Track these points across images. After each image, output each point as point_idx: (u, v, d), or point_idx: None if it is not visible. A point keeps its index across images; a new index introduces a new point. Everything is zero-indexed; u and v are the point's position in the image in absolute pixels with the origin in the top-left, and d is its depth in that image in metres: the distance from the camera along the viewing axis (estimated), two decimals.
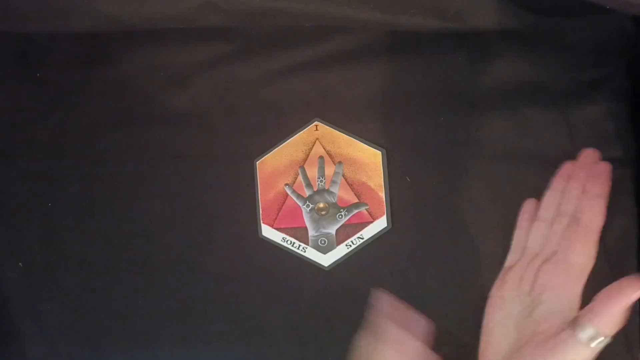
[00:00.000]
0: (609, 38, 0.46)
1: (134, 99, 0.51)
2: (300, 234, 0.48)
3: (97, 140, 0.51)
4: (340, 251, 0.47)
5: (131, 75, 0.51)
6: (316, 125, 0.49)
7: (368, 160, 0.48)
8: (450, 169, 0.47)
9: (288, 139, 0.49)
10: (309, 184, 0.48)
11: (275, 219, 0.48)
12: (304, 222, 0.48)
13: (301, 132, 0.49)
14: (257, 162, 0.49)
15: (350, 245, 0.47)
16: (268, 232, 0.48)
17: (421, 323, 0.41)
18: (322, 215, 0.48)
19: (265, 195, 0.49)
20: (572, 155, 0.46)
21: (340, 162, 0.48)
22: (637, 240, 0.46)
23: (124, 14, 0.50)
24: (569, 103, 0.46)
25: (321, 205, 0.48)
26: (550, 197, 0.43)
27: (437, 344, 0.42)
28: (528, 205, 0.44)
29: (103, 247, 0.50)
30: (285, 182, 0.49)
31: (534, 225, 0.43)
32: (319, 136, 0.49)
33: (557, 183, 0.43)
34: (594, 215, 0.40)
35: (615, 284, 0.36)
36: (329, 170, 0.48)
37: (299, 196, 0.48)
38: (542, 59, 0.47)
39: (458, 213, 0.46)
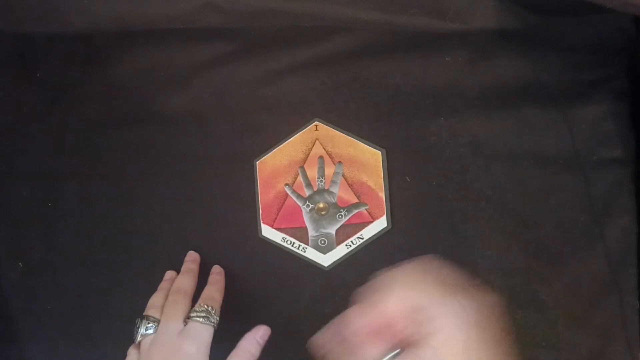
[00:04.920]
0: (609, 38, 0.47)
1: (134, 99, 0.51)
2: (300, 234, 0.48)
3: (97, 140, 0.51)
4: (340, 251, 0.47)
5: (131, 75, 0.51)
6: (316, 125, 0.49)
7: (368, 160, 0.48)
8: (450, 169, 0.47)
9: (288, 139, 0.49)
10: (309, 184, 0.48)
11: (275, 219, 0.48)
12: (304, 222, 0.48)
13: (301, 132, 0.49)
14: (257, 162, 0.49)
15: (350, 245, 0.47)
16: (268, 232, 0.48)
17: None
18: (322, 215, 0.48)
19: (265, 195, 0.49)
20: (572, 155, 0.46)
21: (340, 162, 0.48)
22: (637, 240, 0.46)
23: (124, 14, 0.50)
24: (569, 103, 0.46)
25: (321, 205, 0.48)
26: None
27: None
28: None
29: (103, 247, 0.50)
30: (285, 182, 0.49)
31: None
32: (319, 136, 0.49)
33: None
34: None
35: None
36: (329, 170, 0.48)
37: (299, 196, 0.48)
38: (542, 59, 0.47)
39: (458, 213, 0.46)
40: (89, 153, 0.51)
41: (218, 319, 0.42)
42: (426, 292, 0.33)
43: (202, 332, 0.41)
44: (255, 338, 0.43)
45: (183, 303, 0.43)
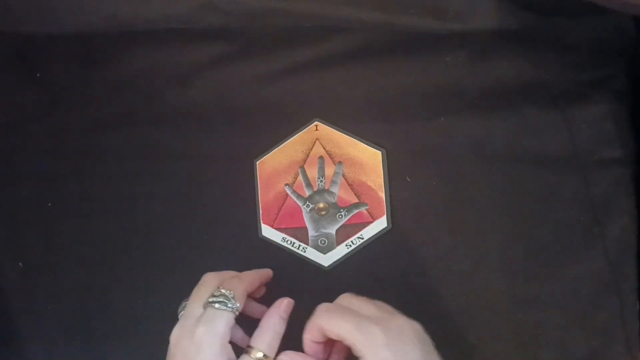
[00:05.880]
0: (609, 38, 0.47)
1: (134, 99, 0.51)
2: (300, 234, 0.48)
3: (97, 140, 0.51)
4: (340, 251, 0.47)
5: (131, 75, 0.51)
6: (316, 125, 0.49)
7: (368, 160, 0.48)
8: (450, 169, 0.47)
9: (288, 139, 0.49)
10: (309, 184, 0.48)
11: (275, 219, 0.48)
12: (304, 222, 0.48)
13: (301, 132, 0.49)
14: (257, 162, 0.49)
15: (350, 245, 0.47)
16: (268, 232, 0.48)
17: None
18: (322, 215, 0.48)
19: (265, 195, 0.49)
20: (572, 155, 0.46)
21: (340, 162, 0.48)
22: (637, 240, 0.46)
23: (124, 14, 0.50)
24: (569, 103, 0.46)
25: (321, 205, 0.48)
26: None
27: (437, 344, 0.42)
28: None
29: (103, 247, 0.50)
30: (285, 182, 0.49)
31: None
32: (319, 136, 0.49)
33: None
34: None
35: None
36: (329, 170, 0.48)
37: (299, 196, 0.48)
38: (542, 59, 0.47)
39: (458, 213, 0.46)
40: (89, 153, 0.51)
41: (238, 305, 0.39)
42: (339, 324, 0.36)
43: (216, 319, 0.38)
44: (279, 314, 0.40)
45: (209, 285, 0.40)
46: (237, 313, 0.39)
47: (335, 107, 0.49)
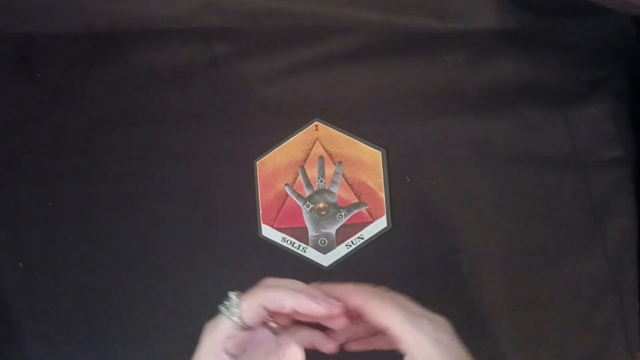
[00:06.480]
0: (609, 38, 0.47)
1: (134, 99, 0.51)
2: (300, 234, 0.48)
3: (97, 140, 0.51)
4: (340, 251, 0.47)
5: (131, 75, 0.51)
6: (316, 125, 0.49)
7: (368, 160, 0.48)
8: (450, 169, 0.47)
9: (288, 139, 0.49)
10: (309, 184, 0.48)
11: (275, 219, 0.48)
12: (304, 222, 0.48)
13: (301, 132, 0.49)
14: (257, 162, 0.49)
15: (350, 245, 0.47)
16: (268, 232, 0.48)
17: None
18: (322, 215, 0.48)
19: (265, 195, 0.49)
20: (572, 155, 0.46)
21: (340, 162, 0.48)
22: (637, 240, 0.46)
23: (124, 14, 0.50)
24: (569, 103, 0.46)
25: (321, 205, 0.48)
26: None
27: None
28: None
29: (103, 247, 0.50)
30: (285, 182, 0.49)
31: None
32: (319, 136, 0.49)
33: None
34: None
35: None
36: (329, 170, 0.48)
37: (299, 196, 0.48)
38: (542, 59, 0.47)
39: (458, 213, 0.46)
40: (89, 153, 0.51)
41: (238, 313, 0.36)
42: (390, 314, 0.35)
43: (217, 324, 0.37)
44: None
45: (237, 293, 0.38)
46: (238, 322, 0.36)
47: (335, 107, 0.49)
